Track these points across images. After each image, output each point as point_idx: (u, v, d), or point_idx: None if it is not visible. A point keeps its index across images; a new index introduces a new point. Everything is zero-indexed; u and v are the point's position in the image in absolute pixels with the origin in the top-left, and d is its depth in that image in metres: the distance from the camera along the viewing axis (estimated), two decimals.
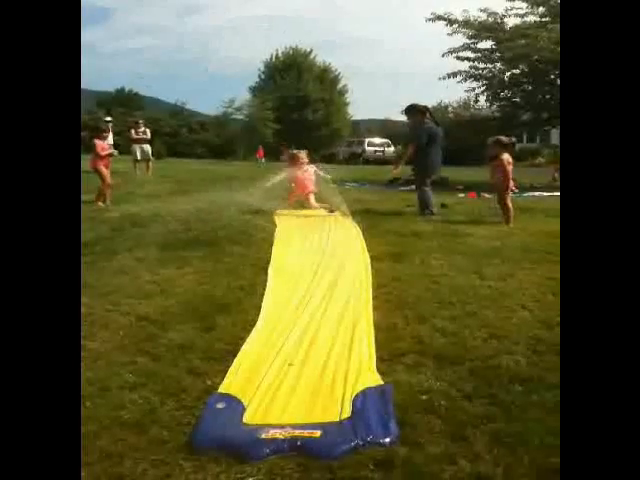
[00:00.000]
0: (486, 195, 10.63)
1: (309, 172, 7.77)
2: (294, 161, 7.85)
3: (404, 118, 9.94)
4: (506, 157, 6.94)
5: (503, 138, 7.15)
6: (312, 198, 7.51)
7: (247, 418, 2.25)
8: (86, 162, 9.43)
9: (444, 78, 15.42)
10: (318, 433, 2.09)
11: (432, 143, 7.80)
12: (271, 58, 46.44)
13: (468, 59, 15.15)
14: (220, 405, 2.30)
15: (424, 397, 2.38)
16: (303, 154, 7.89)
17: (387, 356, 2.84)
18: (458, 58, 15.10)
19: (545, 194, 11.48)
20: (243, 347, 2.94)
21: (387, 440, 2.05)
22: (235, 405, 2.32)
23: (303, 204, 7.75)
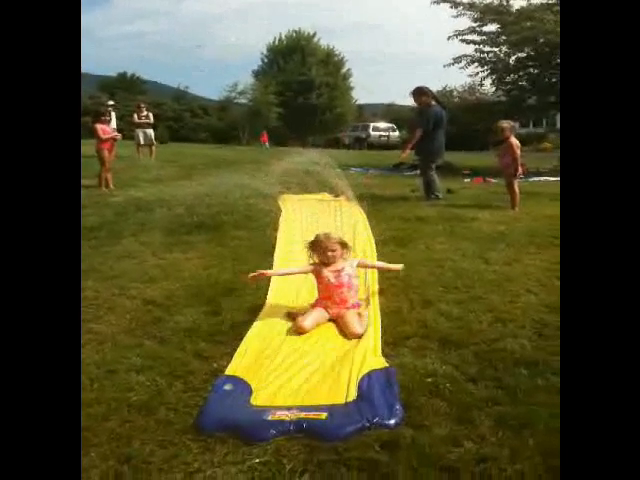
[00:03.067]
0: (492, 180, 10.57)
1: (345, 273, 3.31)
2: (316, 249, 3.37)
3: (409, 102, 9.84)
4: (515, 141, 6.89)
5: (507, 122, 7.12)
6: (352, 318, 3.09)
7: (254, 400, 2.27)
8: (90, 147, 9.44)
9: (450, 65, 15.26)
10: (324, 415, 2.11)
11: (438, 127, 7.74)
12: (274, 41, 46.02)
13: (474, 42, 14.98)
14: (227, 387, 2.32)
15: (429, 380, 2.40)
16: (333, 242, 3.34)
17: (392, 339, 2.86)
18: (463, 41, 14.94)
19: (551, 179, 11.40)
20: (250, 330, 2.95)
21: (392, 422, 2.07)
22: (242, 387, 2.34)
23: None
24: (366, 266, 3.73)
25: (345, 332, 2.96)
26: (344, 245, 3.36)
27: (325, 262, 3.29)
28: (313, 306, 3.22)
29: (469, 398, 2.25)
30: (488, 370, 2.50)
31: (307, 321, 3.04)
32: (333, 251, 3.29)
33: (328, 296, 3.24)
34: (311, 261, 3.34)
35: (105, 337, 2.90)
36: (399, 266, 3.67)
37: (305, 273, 3.46)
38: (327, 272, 3.27)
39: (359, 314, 3.12)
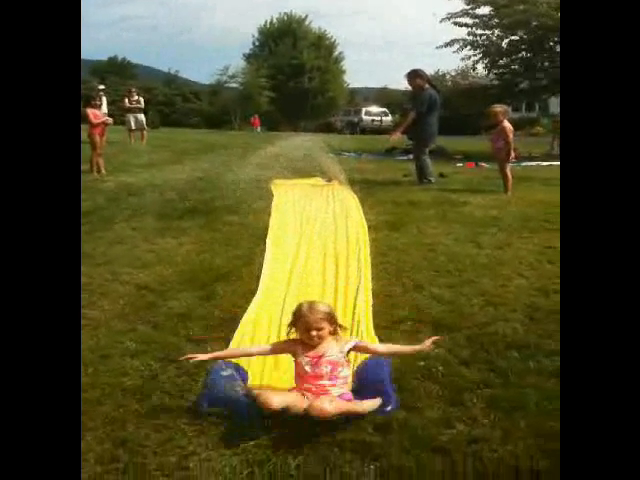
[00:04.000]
0: (484, 164, 10.59)
1: (327, 359, 2.21)
2: (297, 325, 2.27)
3: (401, 86, 9.79)
4: (508, 125, 6.88)
5: (500, 106, 7.12)
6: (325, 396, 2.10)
7: (250, 384, 2.28)
8: (82, 132, 9.34)
9: (442, 47, 15.18)
10: None
11: (431, 111, 7.70)
12: (265, 24, 45.45)
13: (466, 25, 14.89)
14: (224, 372, 2.32)
15: (422, 363, 2.42)
16: (319, 316, 2.23)
17: (385, 323, 2.87)
18: (456, 24, 14.84)
19: (544, 163, 11.44)
20: (244, 316, 2.95)
21: (387, 409, 2.07)
22: (238, 372, 2.35)
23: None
24: (368, 351, 2.44)
25: (309, 407, 2.01)
26: (333, 320, 2.28)
27: (309, 343, 2.24)
28: (294, 388, 2.24)
29: (461, 381, 2.28)
30: (480, 353, 2.53)
31: (277, 398, 2.05)
32: (319, 330, 2.22)
33: (305, 388, 2.19)
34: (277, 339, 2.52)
35: (99, 322, 2.90)
36: (425, 345, 2.29)
37: (270, 354, 2.44)
38: (303, 357, 2.22)
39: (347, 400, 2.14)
